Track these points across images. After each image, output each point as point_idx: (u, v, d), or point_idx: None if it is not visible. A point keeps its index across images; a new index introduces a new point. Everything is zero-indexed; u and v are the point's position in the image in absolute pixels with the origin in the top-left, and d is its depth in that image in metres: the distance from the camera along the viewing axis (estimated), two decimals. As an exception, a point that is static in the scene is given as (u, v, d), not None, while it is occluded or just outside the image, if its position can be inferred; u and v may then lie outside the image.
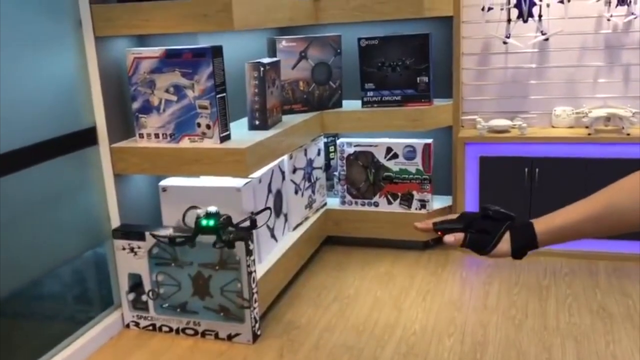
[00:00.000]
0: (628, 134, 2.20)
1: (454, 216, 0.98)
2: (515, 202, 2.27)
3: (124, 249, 1.87)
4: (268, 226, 2.04)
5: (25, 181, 1.61)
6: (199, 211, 1.71)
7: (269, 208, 1.96)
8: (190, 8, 1.67)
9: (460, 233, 0.95)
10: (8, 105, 1.53)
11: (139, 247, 1.85)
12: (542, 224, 0.92)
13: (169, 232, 1.82)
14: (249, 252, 1.77)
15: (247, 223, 1.73)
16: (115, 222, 1.89)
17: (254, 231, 1.85)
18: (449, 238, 0.96)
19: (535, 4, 2.24)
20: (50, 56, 1.68)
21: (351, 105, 2.45)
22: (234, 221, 1.73)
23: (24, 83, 1.59)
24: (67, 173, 1.77)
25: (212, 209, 1.69)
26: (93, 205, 1.86)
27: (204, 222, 1.69)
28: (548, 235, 0.91)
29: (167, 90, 1.79)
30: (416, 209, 2.45)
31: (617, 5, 2.19)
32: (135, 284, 1.90)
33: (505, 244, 0.94)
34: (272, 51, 2.26)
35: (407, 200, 2.46)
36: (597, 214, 0.87)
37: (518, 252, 0.93)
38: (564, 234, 0.90)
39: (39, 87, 1.65)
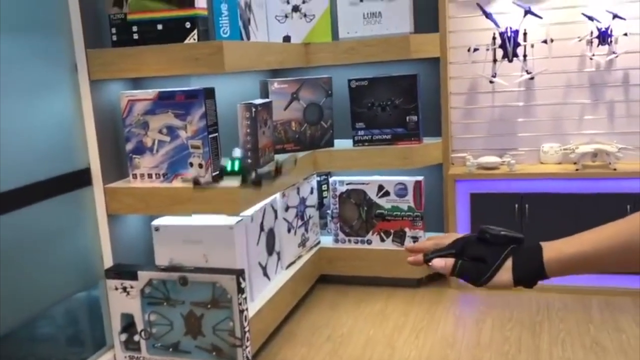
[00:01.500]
0: (615, 169, 2.24)
1: (449, 239, 0.85)
2: (506, 224, 2.28)
3: (116, 288, 1.88)
4: (260, 264, 2.05)
5: (19, 222, 1.62)
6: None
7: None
8: (182, 51, 1.72)
9: (451, 259, 0.82)
10: (4, 147, 1.57)
11: (131, 287, 1.86)
12: (552, 251, 0.78)
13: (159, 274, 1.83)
14: (240, 290, 1.78)
15: (272, 168, 1.73)
16: (108, 262, 1.90)
17: (245, 269, 1.87)
18: (438, 262, 0.84)
19: (519, 45, 2.31)
20: (46, 99, 1.72)
21: (343, 144, 2.49)
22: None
23: (19, 125, 1.63)
24: (61, 214, 1.79)
25: (237, 153, 1.68)
26: (86, 245, 1.88)
27: (229, 167, 1.69)
28: (558, 265, 0.78)
29: (160, 131, 1.83)
30: (409, 246, 2.46)
31: (598, 44, 2.25)
32: (128, 324, 1.89)
33: (505, 273, 0.79)
34: (265, 93, 2.31)
35: (399, 237, 2.48)
36: (620, 245, 0.75)
37: (523, 283, 0.80)
38: (577, 265, 0.78)
39: (35, 130, 1.68)
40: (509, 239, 0.81)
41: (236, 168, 1.78)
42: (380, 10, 2.36)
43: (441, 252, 0.84)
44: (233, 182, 1.81)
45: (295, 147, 2.38)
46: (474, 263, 0.81)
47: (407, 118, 2.39)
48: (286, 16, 2.38)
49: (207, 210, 1.83)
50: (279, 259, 2.24)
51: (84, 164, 1.85)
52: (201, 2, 1.77)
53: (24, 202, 1.65)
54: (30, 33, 1.66)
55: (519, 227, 2.31)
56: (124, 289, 1.87)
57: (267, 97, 2.28)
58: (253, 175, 1.72)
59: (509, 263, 0.79)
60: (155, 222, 1.94)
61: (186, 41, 1.75)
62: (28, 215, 1.65)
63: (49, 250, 1.74)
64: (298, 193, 2.37)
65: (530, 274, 0.78)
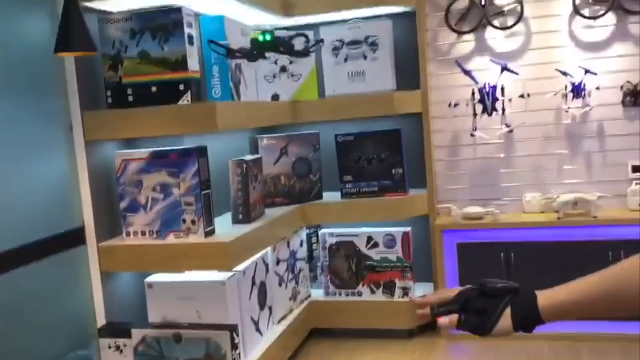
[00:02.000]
0: (595, 217, 2.31)
1: (452, 294, 0.95)
2: (494, 275, 2.32)
3: (110, 347, 1.88)
4: (253, 319, 2.07)
5: (14, 282, 1.64)
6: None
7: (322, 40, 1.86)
8: (177, 112, 1.79)
9: (456, 315, 0.92)
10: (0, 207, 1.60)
11: (125, 345, 1.86)
12: (545, 299, 0.88)
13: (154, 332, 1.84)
14: (234, 346, 1.79)
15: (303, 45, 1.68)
16: (101, 321, 1.91)
17: (238, 325, 1.88)
18: (443, 321, 0.93)
19: (498, 100, 2.41)
20: (42, 159, 1.77)
21: (331, 197, 2.55)
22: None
23: (16, 186, 1.66)
24: (55, 273, 1.80)
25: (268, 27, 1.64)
26: (79, 304, 1.88)
27: (261, 38, 1.64)
28: (552, 311, 0.87)
29: (154, 189, 1.87)
30: (399, 297, 2.49)
31: (573, 98, 2.37)
32: (121, 383, 1.88)
33: (506, 321, 0.88)
34: (255, 149, 2.38)
35: (389, 288, 2.51)
36: (607, 292, 0.84)
37: (523, 326, 0.89)
38: (569, 311, 0.86)
39: (31, 190, 1.72)
40: (506, 290, 0.89)
41: (268, 38, 1.70)
42: (364, 69, 2.46)
43: (446, 307, 0.93)
44: (225, 238, 1.85)
45: (285, 200, 2.44)
46: (476, 316, 0.90)
47: (393, 171, 2.46)
48: (274, 76, 2.47)
49: (200, 267, 1.86)
50: (270, 313, 2.25)
51: (78, 223, 1.88)
52: (194, 65, 1.85)
53: (19, 263, 1.67)
54: (28, 95, 1.72)
55: (505, 275, 2.36)
56: (118, 347, 1.87)
57: (257, 153, 2.35)
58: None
59: (508, 312, 0.88)
60: (149, 280, 1.96)
61: (180, 102, 1.82)
62: (23, 276, 1.67)
63: (42, 310, 1.74)
64: (288, 246, 2.40)
65: (528, 320, 0.87)
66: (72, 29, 1.57)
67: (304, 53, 1.68)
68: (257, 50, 1.56)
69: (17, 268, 1.65)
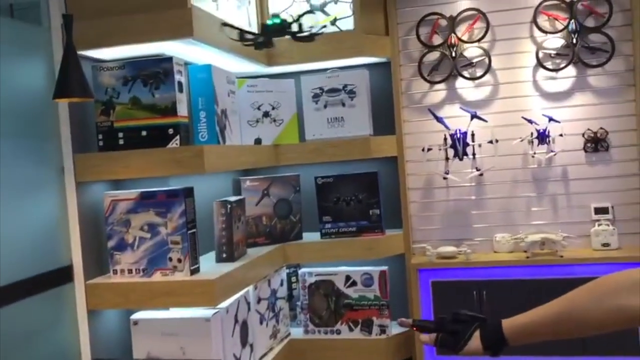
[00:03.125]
0: (562, 256, 2.43)
1: (430, 321, 1.20)
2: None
3: (93, 384, 1.91)
4: (235, 356, 2.12)
5: (3, 318, 1.68)
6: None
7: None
8: (165, 155, 1.88)
9: (434, 334, 1.13)
10: (-8, 246, 1.65)
11: (109, 381, 1.90)
12: (508, 322, 1.07)
13: None
14: (217, 381, 1.84)
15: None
16: (87, 357, 1.94)
17: (222, 360, 1.94)
18: (424, 337, 1.15)
19: (468, 144, 2.56)
20: (34, 199, 1.83)
21: (311, 236, 2.64)
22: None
23: (6, 224, 1.71)
24: (42, 311, 1.84)
25: (276, 12, 1.71)
26: (65, 341, 1.92)
27: (270, 22, 1.68)
28: (514, 332, 1.05)
29: (141, 229, 1.94)
30: (376, 334, 2.57)
31: (538, 144, 2.52)
32: (104, 420, 1.91)
33: (475, 341, 1.09)
34: (237, 190, 2.47)
35: (367, 326, 2.58)
36: (558, 313, 1.00)
37: (490, 349, 1.07)
38: (529, 331, 1.04)
39: (21, 228, 1.77)
40: (475, 317, 1.10)
41: (278, 21, 1.72)
42: (342, 115, 2.60)
43: (425, 322, 1.17)
44: (210, 275, 1.92)
45: (266, 240, 2.52)
46: (450, 336, 1.10)
47: (370, 212, 2.57)
48: (257, 121, 2.59)
49: (184, 304, 1.92)
50: (252, 350, 2.31)
51: (66, 262, 1.93)
52: (182, 111, 1.96)
53: (7, 301, 1.71)
54: (22, 137, 1.79)
55: (478, 311, 2.45)
56: (102, 383, 1.90)
57: (240, 194, 2.44)
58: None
59: (477, 334, 1.08)
60: (134, 316, 2.01)
61: (169, 146, 1.92)
62: (9, 313, 1.70)
63: (29, 348, 1.78)
64: (269, 285, 2.47)
65: (494, 341, 1.06)
66: (70, 76, 1.67)
67: (309, 38, 1.75)
68: (265, 35, 1.61)
69: (6, 305, 1.70)
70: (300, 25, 1.74)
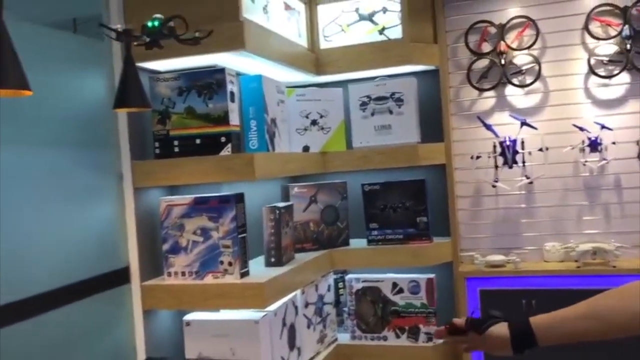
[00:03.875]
0: (614, 267, 2.38)
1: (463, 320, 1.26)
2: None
3: (148, 381, 1.99)
4: (282, 358, 2.17)
5: (63, 318, 1.77)
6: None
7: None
8: (218, 162, 1.96)
9: (463, 319, 1.21)
10: (53, 248, 1.75)
11: (162, 379, 1.98)
12: (537, 319, 1.11)
13: None
14: (266, 382, 1.90)
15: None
16: (142, 355, 2.03)
17: (270, 362, 1.99)
18: (457, 320, 1.24)
19: (518, 152, 2.54)
20: (93, 205, 1.93)
21: (358, 243, 2.67)
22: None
23: (67, 229, 1.82)
24: (100, 309, 1.94)
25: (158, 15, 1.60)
26: (122, 339, 2.01)
27: (149, 24, 1.58)
28: (543, 329, 1.08)
29: (194, 233, 2.02)
30: (423, 342, 2.57)
31: (590, 152, 2.48)
32: (157, 416, 1.99)
33: (502, 328, 1.13)
34: (286, 196, 2.53)
35: (414, 333, 2.59)
36: (585, 312, 1.05)
37: (518, 345, 1.10)
38: (557, 326, 1.07)
39: (82, 232, 1.88)
40: (503, 317, 1.16)
41: (157, 23, 1.63)
42: (390, 123, 2.62)
43: (458, 326, 1.26)
44: (259, 279, 1.98)
45: (314, 246, 2.56)
46: (478, 320, 1.19)
47: (418, 219, 2.58)
48: (305, 129, 2.64)
49: (234, 306, 1.99)
50: (299, 354, 2.35)
51: (124, 264, 2.03)
52: (234, 120, 2.03)
53: (69, 300, 1.81)
54: (83, 146, 1.90)
55: (527, 322, 2.43)
56: (156, 381, 1.99)
57: (288, 200, 2.49)
58: None
59: (504, 324, 1.13)
60: (187, 317, 2.09)
61: (221, 153, 1.99)
62: (71, 311, 1.80)
63: (88, 345, 1.87)
64: (316, 290, 2.52)
65: (523, 339, 1.09)
66: (130, 88, 1.76)
67: (193, 41, 1.69)
68: (148, 36, 1.59)
69: (67, 304, 1.80)
70: (170, 29, 1.65)
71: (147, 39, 1.64)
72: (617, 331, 1.00)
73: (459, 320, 1.22)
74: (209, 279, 2.01)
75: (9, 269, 1.59)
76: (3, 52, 1.25)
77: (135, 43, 1.64)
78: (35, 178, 1.71)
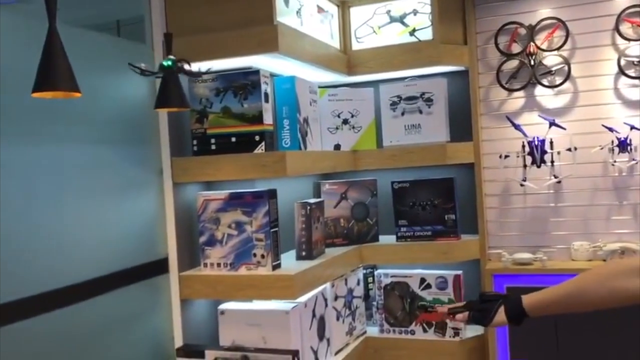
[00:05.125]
0: (642, 266, 2.39)
1: (462, 304, 1.45)
2: (542, 328, 2.43)
3: (185, 366, 2.11)
4: (312, 348, 2.26)
5: (105, 304, 1.89)
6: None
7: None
8: (252, 159, 2.06)
9: (466, 312, 1.38)
10: (98, 239, 1.88)
11: (198, 364, 2.09)
12: (527, 298, 1.28)
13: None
14: (295, 370, 1.99)
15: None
16: (178, 342, 2.15)
17: (299, 351, 2.08)
18: (459, 317, 1.40)
19: (546, 152, 2.57)
20: (135, 199, 2.05)
21: (387, 239, 2.74)
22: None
23: (111, 221, 1.94)
24: (141, 298, 2.06)
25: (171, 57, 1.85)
26: (160, 327, 2.13)
27: (164, 63, 1.85)
28: (532, 306, 1.27)
29: (229, 226, 2.13)
30: (450, 336, 2.63)
31: (619, 152, 2.49)
32: (193, 399, 2.10)
33: (501, 315, 1.31)
34: (317, 193, 2.62)
35: (441, 328, 2.65)
36: (569, 292, 1.22)
37: (513, 320, 1.29)
38: (545, 305, 1.25)
39: (125, 224, 1.99)
40: (498, 295, 1.33)
41: (170, 63, 1.87)
42: (419, 122, 2.68)
43: (456, 306, 1.45)
44: (290, 271, 2.07)
45: (344, 241, 2.65)
46: (479, 312, 1.34)
47: (446, 217, 2.63)
48: (337, 128, 2.72)
49: (266, 296, 2.08)
50: (328, 345, 2.44)
51: (163, 255, 2.15)
52: (268, 119, 2.13)
53: (111, 287, 1.93)
54: (126, 143, 2.02)
55: (553, 319, 2.46)
56: (192, 366, 2.10)
57: (320, 197, 2.58)
58: None
59: (501, 309, 1.30)
60: (221, 307, 2.20)
61: (255, 151, 2.09)
62: (113, 300, 1.92)
63: (128, 330, 2.00)
64: (346, 284, 2.60)
65: (516, 313, 1.28)
66: (170, 89, 1.87)
67: (197, 75, 1.99)
68: (163, 73, 1.86)
69: (109, 292, 1.92)
70: (188, 72, 1.93)
71: (161, 75, 1.87)
72: (597, 305, 1.18)
73: (462, 317, 1.39)
74: (242, 271, 2.11)
75: (55, 257, 1.72)
76: (56, 58, 1.37)
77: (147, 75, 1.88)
78: (81, 173, 1.83)
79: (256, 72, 2.10)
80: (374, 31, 2.74)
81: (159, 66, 1.88)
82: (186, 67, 1.90)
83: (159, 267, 2.14)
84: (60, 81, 1.37)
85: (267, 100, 2.13)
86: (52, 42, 1.37)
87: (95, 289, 1.86)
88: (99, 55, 1.93)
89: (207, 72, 2.04)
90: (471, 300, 1.39)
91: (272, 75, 2.28)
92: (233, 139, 2.13)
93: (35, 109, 1.65)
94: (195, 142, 2.18)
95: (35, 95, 1.38)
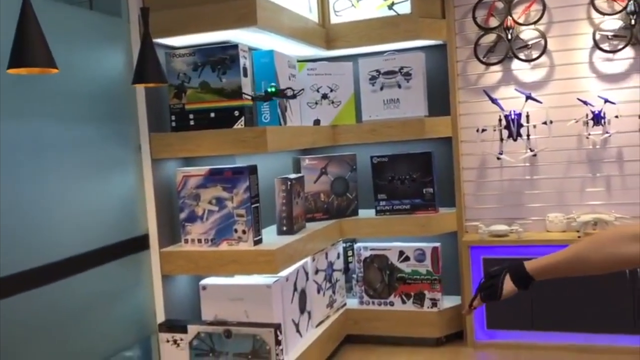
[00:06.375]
0: (614, 236, 2.46)
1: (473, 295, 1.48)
2: (517, 298, 2.49)
3: (167, 341, 2.12)
4: (294, 321, 2.29)
5: (87, 281, 1.89)
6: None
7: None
8: (232, 135, 2.05)
9: (478, 297, 1.42)
10: (76, 216, 1.86)
11: (181, 339, 2.10)
12: (530, 264, 1.36)
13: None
14: (277, 342, 2.02)
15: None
16: (160, 317, 2.16)
17: (282, 324, 2.11)
18: (475, 303, 1.44)
19: (522, 126, 2.60)
20: (113, 176, 2.03)
21: (366, 213, 2.77)
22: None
23: (90, 198, 1.92)
24: (122, 274, 2.06)
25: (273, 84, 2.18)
26: (142, 302, 2.14)
27: (270, 89, 2.15)
28: (536, 271, 1.34)
29: (210, 202, 2.13)
30: (428, 307, 2.68)
31: (593, 125, 2.54)
32: (176, 373, 2.12)
33: (508, 284, 1.36)
34: (297, 168, 2.62)
35: (419, 299, 2.70)
36: (569, 258, 1.29)
37: (520, 284, 1.35)
38: (548, 269, 1.32)
39: (103, 201, 1.98)
40: (502, 268, 1.38)
41: (274, 89, 2.17)
42: (398, 97, 2.69)
43: (472, 299, 1.46)
44: (271, 246, 2.08)
45: (324, 216, 2.67)
46: (489, 289, 1.38)
47: (424, 190, 2.67)
48: (316, 103, 2.72)
49: (248, 271, 2.10)
50: (309, 317, 2.47)
51: (143, 231, 2.15)
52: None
53: (92, 264, 1.93)
54: (104, 120, 1.99)
55: (528, 292, 2.52)
56: (175, 341, 2.11)
57: (300, 172, 2.59)
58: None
59: (507, 278, 1.36)
60: (203, 282, 2.21)
61: (235, 126, 2.08)
62: (95, 276, 1.92)
63: (110, 307, 2.00)
64: (326, 257, 2.63)
65: (522, 278, 1.35)
66: (147, 64, 1.85)
67: (293, 97, 2.27)
68: (266, 97, 2.15)
69: (91, 268, 1.92)
70: (293, 92, 2.26)
71: (262, 96, 2.16)
72: (596, 270, 1.26)
73: (477, 302, 1.44)
74: (224, 246, 2.12)
75: (34, 235, 1.71)
76: (31, 33, 1.35)
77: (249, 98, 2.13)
78: (58, 150, 1.81)
79: (234, 46, 2.08)
80: (353, 4, 2.72)
81: (264, 93, 2.13)
82: (288, 92, 2.20)
83: (140, 243, 2.14)
84: (36, 57, 1.35)
85: (245, 75, 2.12)
86: (26, 17, 1.34)
87: (76, 266, 1.85)
88: (73, 30, 1.90)
89: (299, 93, 2.30)
90: (480, 283, 1.44)
91: (251, 49, 2.26)
92: (212, 115, 2.11)
93: (10, 85, 1.62)
94: (173, 117, 2.16)
95: (11, 71, 1.35)
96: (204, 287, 2.20)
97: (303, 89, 2.41)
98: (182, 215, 2.16)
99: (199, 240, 2.15)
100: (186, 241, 2.17)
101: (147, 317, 2.15)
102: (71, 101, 1.87)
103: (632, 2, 2.47)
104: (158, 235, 2.15)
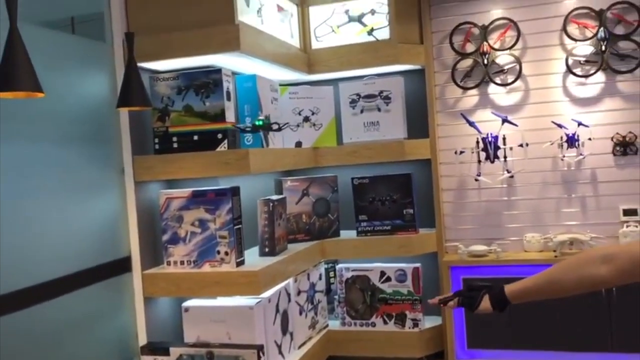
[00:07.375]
0: (589, 256, 2.52)
1: (451, 294, 1.61)
2: (497, 317, 2.53)
3: (149, 363, 2.12)
4: (276, 342, 2.30)
5: (69, 304, 1.88)
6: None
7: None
8: (215, 157, 2.07)
9: (456, 298, 1.55)
10: (59, 238, 1.86)
11: (163, 362, 2.10)
12: (508, 287, 1.46)
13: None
14: (260, 363, 2.02)
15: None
16: (143, 340, 2.15)
17: (264, 345, 2.12)
18: (450, 304, 1.55)
19: (499, 148, 2.67)
20: (96, 198, 2.04)
21: (347, 234, 2.80)
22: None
23: (73, 220, 1.92)
24: (104, 297, 2.05)
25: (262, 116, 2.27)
26: (124, 325, 2.13)
27: (258, 122, 2.21)
28: (514, 294, 1.45)
29: (192, 224, 2.14)
30: (409, 327, 2.71)
31: (567, 147, 2.61)
32: (158, 396, 2.11)
33: (485, 302, 1.47)
34: (279, 189, 2.65)
35: (401, 319, 2.72)
36: (542, 283, 1.38)
37: (496, 306, 1.46)
38: (525, 293, 1.42)
39: (85, 223, 1.98)
40: (483, 285, 1.50)
41: (261, 122, 2.24)
42: (378, 120, 2.75)
43: (448, 298, 1.58)
44: (253, 267, 2.10)
45: (306, 237, 2.69)
46: (467, 299, 1.50)
47: (404, 211, 2.71)
48: (298, 125, 2.76)
49: (230, 293, 2.11)
50: (292, 339, 2.48)
51: (125, 253, 2.15)
52: (230, 117, 2.15)
53: (74, 287, 1.92)
54: (87, 142, 2.00)
55: (507, 312, 2.56)
56: (157, 363, 2.11)
57: (282, 194, 2.62)
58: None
59: (486, 297, 1.47)
60: (185, 304, 2.21)
61: (218, 149, 2.11)
62: (76, 299, 1.91)
63: (92, 330, 1.99)
64: (308, 278, 2.64)
65: (499, 301, 1.45)
66: (132, 88, 1.87)
67: (279, 129, 2.37)
68: (255, 129, 2.25)
69: (72, 291, 1.92)
70: (279, 125, 2.36)
71: (249, 128, 2.24)
72: (571, 291, 1.33)
73: (453, 304, 1.55)
74: (206, 268, 2.13)
75: (16, 258, 1.70)
76: (18, 58, 1.37)
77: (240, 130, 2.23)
78: (41, 172, 1.81)
79: (218, 70, 2.12)
80: (333, 30, 2.78)
81: (253, 126, 2.22)
82: (274, 126, 2.31)
83: (122, 266, 2.14)
84: (22, 81, 1.37)
85: (229, 99, 2.15)
86: (13, 42, 1.36)
87: (57, 289, 1.85)
88: (58, 54, 1.92)
89: (284, 126, 2.43)
90: (460, 289, 1.57)
91: (234, 73, 2.30)
92: (195, 137, 2.14)
93: (-5, 108, 1.63)
94: (157, 140, 2.18)
95: (-3, 95, 1.37)
96: (187, 309, 2.20)
97: (288, 123, 2.49)
98: (165, 237, 2.17)
99: (182, 262, 2.16)
100: (169, 263, 2.18)
101: (130, 340, 2.14)
102: (55, 124, 1.88)
103: (602, 29, 2.56)
104: (140, 258, 2.15)
